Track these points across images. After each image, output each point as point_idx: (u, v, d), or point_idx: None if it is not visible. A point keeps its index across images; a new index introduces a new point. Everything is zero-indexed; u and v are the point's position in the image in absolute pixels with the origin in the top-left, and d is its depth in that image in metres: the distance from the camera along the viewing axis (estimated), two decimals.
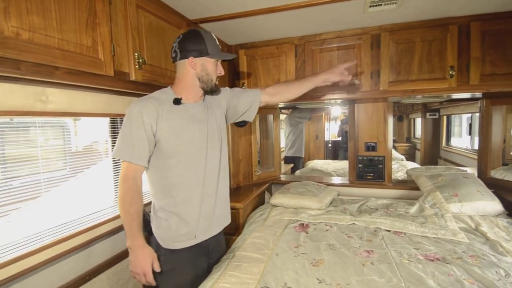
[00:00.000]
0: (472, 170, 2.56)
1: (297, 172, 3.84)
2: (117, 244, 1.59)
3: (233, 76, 2.40)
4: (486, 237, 1.62)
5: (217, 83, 1.30)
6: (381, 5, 1.67)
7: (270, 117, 2.89)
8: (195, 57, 1.21)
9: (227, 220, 1.43)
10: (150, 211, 1.30)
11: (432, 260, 1.39)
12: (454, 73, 1.90)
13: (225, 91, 1.45)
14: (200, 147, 1.25)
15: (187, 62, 1.21)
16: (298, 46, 2.25)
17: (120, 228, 1.59)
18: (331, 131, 7.03)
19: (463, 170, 2.48)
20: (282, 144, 4.63)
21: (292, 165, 4.26)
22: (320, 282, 1.22)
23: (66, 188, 1.42)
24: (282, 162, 4.42)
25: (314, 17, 1.88)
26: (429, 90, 1.98)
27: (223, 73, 1.31)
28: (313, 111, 4.47)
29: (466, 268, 1.31)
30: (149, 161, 1.19)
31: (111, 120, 1.65)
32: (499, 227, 1.74)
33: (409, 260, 1.38)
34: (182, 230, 1.23)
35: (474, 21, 1.87)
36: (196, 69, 1.22)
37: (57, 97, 1.22)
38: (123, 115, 1.54)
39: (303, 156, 4.47)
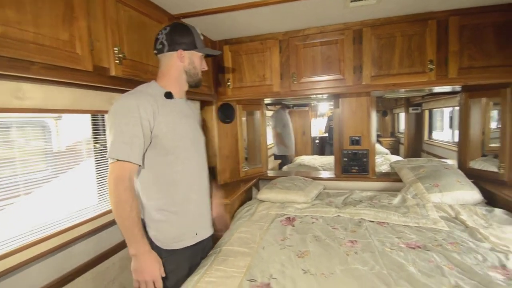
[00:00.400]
0: (452, 162, 2.65)
1: (285, 168, 3.88)
2: (100, 243, 1.57)
3: (218, 72, 2.39)
4: (465, 225, 1.69)
5: (201, 78, 1.30)
6: (361, 0, 1.70)
7: (257, 113, 2.90)
8: (184, 50, 1.19)
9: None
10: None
11: (414, 248, 1.44)
12: (433, 67, 1.96)
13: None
14: (192, 143, 1.25)
15: (176, 54, 1.19)
16: (282, 42, 2.26)
17: (103, 227, 1.57)
18: (318, 127, 7.12)
19: (444, 162, 2.56)
20: (270, 140, 4.66)
21: (279, 161, 4.29)
22: (305, 273, 1.24)
23: (48, 189, 1.39)
24: (272, 158, 4.45)
25: (297, 12, 1.89)
26: (410, 84, 2.03)
27: (206, 68, 1.31)
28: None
29: (445, 254, 1.36)
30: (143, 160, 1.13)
31: (92, 118, 1.62)
32: (477, 215, 1.80)
33: (391, 249, 1.43)
34: (183, 229, 1.21)
35: (452, 16, 1.92)
36: (184, 62, 1.21)
37: (34, 93, 1.19)
38: (104, 111, 1.52)
39: (293, 154, 4.50)
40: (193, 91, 2.01)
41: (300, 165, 3.84)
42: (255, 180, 2.68)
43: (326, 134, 5.91)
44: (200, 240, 1.27)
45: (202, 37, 1.27)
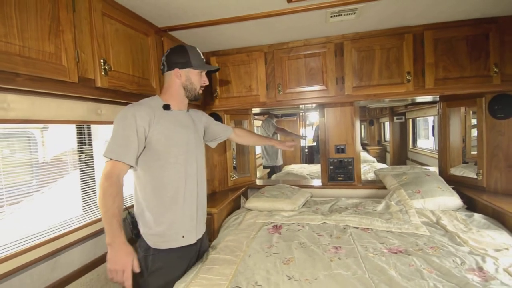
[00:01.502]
0: (435, 169, 2.73)
1: (273, 177, 3.91)
2: (88, 253, 1.55)
3: None
4: (446, 230, 1.74)
5: (200, 91, 1.45)
6: (341, 15, 1.79)
7: (245, 123, 2.94)
8: (180, 68, 1.36)
9: (205, 225, 1.53)
10: (134, 213, 1.34)
11: (395, 253, 1.48)
12: (410, 78, 2.05)
13: (205, 114, 1.68)
14: (185, 150, 1.36)
15: (173, 73, 1.36)
16: (267, 54, 2.33)
17: (92, 235, 1.56)
18: (307, 137, 7.20)
19: (426, 169, 2.64)
20: (258, 150, 4.70)
21: (268, 170, 4.32)
22: (289, 279, 1.26)
23: (34, 200, 1.38)
24: (261, 167, 4.48)
25: (281, 26, 1.96)
26: (389, 94, 2.12)
27: (207, 83, 1.47)
28: (278, 129, 4.48)
29: (426, 258, 1.40)
30: (137, 163, 1.25)
31: (77, 128, 1.62)
32: (458, 220, 1.87)
33: (374, 254, 1.46)
34: (169, 230, 1.30)
35: (427, 30, 2.03)
36: (181, 79, 1.37)
37: (19, 104, 1.19)
38: (90, 121, 1.53)
39: (281, 164, 4.54)
40: (196, 103, 2.06)
41: (288, 173, 3.88)
42: (243, 189, 2.70)
43: (315, 143, 5.99)
44: (188, 244, 1.36)
45: (202, 56, 1.43)
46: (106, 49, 1.38)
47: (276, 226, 1.93)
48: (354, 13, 1.77)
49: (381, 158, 5.80)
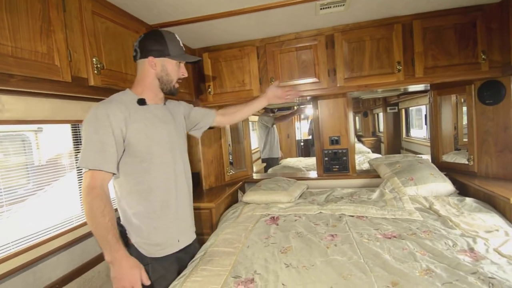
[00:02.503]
0: (427, 157, 2.79)
1: (270, 170, 3.94)
2: (84, 252, 1.58)
3: (199, 79, 2.44)
4: (438, 214, 1.79)
5: (177, 85, 1.31)
6: (330, 7, 1.81)
7: None
8: (155, 57, 1.21)
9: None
10: (120, 221, 1.23)
11: (389, 238, 1.52)
12: (401, 67, 2.08)
13: (183, 103, 1.52)
14: (170, 148, 1.26)
15: (147, 61, 1.21)
16: (259, 48, 2.34)
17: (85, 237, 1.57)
18: (303, 130, 7.25)
19: (419, 157, 2.69)
20: (256, 145, 4.73)
21: (265, 164, 4.35)
22: (287, 266, 1.30)
23: (31, 203, 1.39)
24: (259, 161, 4.52)
25: (272, 20, 1.98)
26: (380, 84, 2.15)
27: (186, 75, 1.32)
28: (277, 119, 4.60)
29: (419, 242, 1.45)
30: (118, 168, 1.13)
31: (72, 129, 1.63)
32: (450, 205, 1.92)
33: (368, 240, 1.50)
34: (165, 236, 1.22)
35: (416, 19, 2.06)
36: (156, 69, 1.22)
37: (13, 105, 1.21)
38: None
39: (279, 156, 4.58)
40: (174, 98, 2.07)
41: (284, 167, 3.92)
42: (240, 183, 2.73)
43: (310, 137, 6.04)
44: (184, 246, 1.31)
45: (181, 44, 1.29)
46: (97, 48, 1.39)
47: (274, 217, 1.96)
48: (343, 5, 1.79)
49: (376, 149, 5.88)
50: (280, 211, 2.05)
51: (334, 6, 1.80)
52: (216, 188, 2.55)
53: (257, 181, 2.69)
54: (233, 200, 2.53)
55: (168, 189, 1.23)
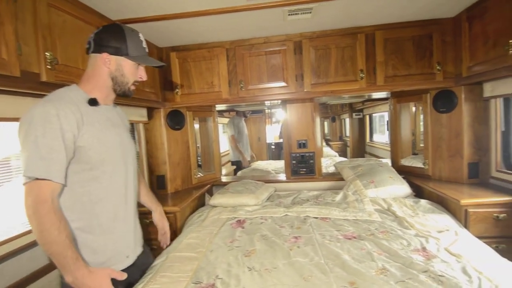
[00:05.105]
0: (388, 160, 2.94)
1: (239, 173, 3.93)
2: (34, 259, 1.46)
3: (166, 79, 2.38)
4: (396, 215, 1.89)
5: (132, 87, 1.18)
6: (298, 14, 1.85)
7: (210, 120, 2.93)
8: (110, 54, 1.08)
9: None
10: None
11: (350, 239, 1.57)
12: (363, 75, 2.18)
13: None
14: (122, 154, 1.15)
15: (100, 57, 1.08)
16: (229, 50, 2.33)
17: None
18: (274, 134, 7.34)
19: (379, 161, 2.83)
20: (226, 147, 4.69)
21: (235, 166, 4.34)
22: (250, 270, 1.29)
23: None
24: (229, 164, 4.49)
25: (241, 23, 1.98)
26: (345, 91, 2.24)
27: (144, 78, 1.21)
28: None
29: (376, 242, 1.51)
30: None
31: None
32: (406, 206, 2.03)
33: (330, 241, 1.55)
34: (111, 252, 1.10)
35: (378, 30, 2.17)
36: (110, 67, 1.10)
37: None
38: None
39: (249, 159, 4.58)
40: (139, 97, 2.00)
41: (254, 169, 3.93)
42: (208, 186, 2.69)
43: (281, 140, 6.13)
44: (132, 262, 1.19)
45: (144, 45, 1.18)
46: (52, 42, 1.30)
47: (240, 220, 1.95)
48: (310, 12, 1.84)
49: (343, 153, 6.10)
50: (247, 214, 2.05)
51: (301, 13, 1.84)
52: (182, 191, 2.49)
53: (225, 184, 2.66)
54: (200, 203, 2.49)
55: (118, 200, 1.13)
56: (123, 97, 1.19)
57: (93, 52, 1.10)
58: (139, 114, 2.30)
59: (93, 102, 1.08)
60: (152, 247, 1.97)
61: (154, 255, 1.54)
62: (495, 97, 2.01)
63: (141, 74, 1.19)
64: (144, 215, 1.93)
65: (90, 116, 1.04)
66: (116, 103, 1.27)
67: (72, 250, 0.93)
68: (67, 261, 0.91)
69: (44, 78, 1.24)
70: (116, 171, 1.12)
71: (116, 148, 1.13)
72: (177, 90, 2.37)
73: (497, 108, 2.05)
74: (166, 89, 2.39)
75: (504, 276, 1.13)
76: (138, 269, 1.27)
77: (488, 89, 2.04)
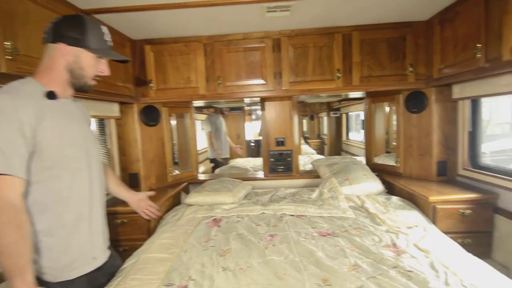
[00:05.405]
0: (362, 158, 3.02)
1: (217, 171, 3.89)
2: None
3: (140, 73, 2.29)
4: (368, 212, 1.94)
5: (92, 82, 1.11)
6: (276, 11, 1.83)
7: (186, 116, 2.86)
8: (68, 44, 1.01)
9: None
10: None
11: (324, 236, 1.60)
12: (340, 75, 2.22)
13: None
14: (85, 150, 1.09)
15: (57, 48, 1.01)
16: (207, 45, 2.28)
17: None
18: (254, 131, 7.33)
19: (354, 159, 2.90)
20: (204, 144, 4.63)
21: (213, 164, 4.29)
22: (224, 270, 1.27)
23: None
24: (207, 161, 4.43)
25: (220, 17, 1.94)
26: (322, 90, 2.26)
27: (106, 73, 1.13)
28: None
29: (349, 238, 1.55)
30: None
31: None
32: (379, 202, 2.09)
33: (305, 238, 1.56)
34: (77, 253, 1.05)
35: (355, 30, 2.20)
36: (68, 59, 1.03)
37: None
38: None
39: (228, 157, 4.55)
40: (111, 91, 1.90)
41: (232, 167, 3.90)
42: (184, 184, 2.63)
43: (261, 138, 6.14)
44: (100, 265, 1.14)
45: (107, 37, 1.11)
46: (12, 31, 1.20)
47: (216, 219, 1.92)
48: (289, 10, 1.83)
49: (320, 150, 6.21)
50: (224, 213, 2.02)
51: (280, 11, 1.83)
52: (157, 189, 2.40)
53: (202, 182, 2.62)
54: (176, 202, 2.43)
55: (83, 199, 1.07)
56: (81, 92, 1.12)
57: (50, 42, 1.02)
58: (111, 109, 2.20)
59: (51, 95, 1.00)
60: (124, 248, 1.91)
61: (125, 256, 1.49)
62: (463, 98, 2.11)
63: (103, 68, 1.12)
64: (114, 215, 1.87)
65: (49, 110, 0.98)
66: (85, 97, 1.19)
67: (29, 255, 0.87)
68: (20, 264, 0.84)
69: (3, 69, 1.15)
70: (80, 168, 1.06)
71: (79, 143, 1.07)
72: (151, 85, 2.28)
73: (464, 109, 2.15)
74: (140, 84, 2.30)
75: (469, 271, 1.19)
76: (104, 273, 1.20)
77: (457, 91, 2.13)
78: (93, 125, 2.16)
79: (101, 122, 2.26)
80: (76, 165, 1.05)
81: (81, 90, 1.11)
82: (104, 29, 1.10)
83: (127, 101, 2.21)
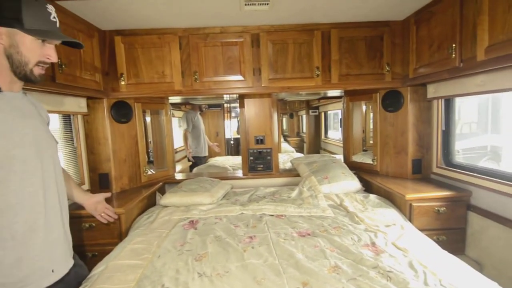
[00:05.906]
0: (340, 157, 3.04)
1: (195, 170, 3.78)
2: None
3: (109, 65, 2.14)
4: (347, 210, 1.94)
5: (37, 70, 0.96)
6: (254, 4, 1.77)
7: (162, 113, 2.73)
8: (1, 25, 0.86)
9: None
10: None
11: (304, 236, 1.56)
12: (319, 73, 2.19)
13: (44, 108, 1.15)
14: (36, 151, 0.96)
15: None
16: (182, 38, 2.17)
17: None
18: (233, 129, 7.25)
19: (333, 157, 2.91)
20: (181, 142, 4.49)
21: (190, 163, 4.16)
22: (200, 276, 1.20)
23: None
24: (185, 160, 4.29)
25: (195, 8, 1.84)
26: (301, 87, 2.23)
27: (53, 59, 0.98)
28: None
29: (329, 238, 1.52)
30: None
31: None
32: (357, 201, 2.09)
33: (285, 239, 1.52)
34: (30, 268, 0.93)
35: (334, 28, 2.19)
36: (3, 42, 0.88)
37: None
38: None
39: (206, 155, 4.44)
40: (76, 85, 1.75)
41: (210, 166, 3.80)
42: (159, 184, 2.51)
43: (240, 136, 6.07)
44: (61, 277, 1.03)
45: (53, 18, 0.96)
46: None
47: (193, 221, 1.84)
48: (267, 4, 1.78)
49: (300, 148, 6.26)
50: (201, 214, 1.94)
51: (258, 4, 1.77)
52: (130, 190, 2.29)
53: (179, 181, 2.51)
54: (150, 203, 2.31)
55: (35, 206, 0.94)
56: (28, 82, 0.98)
57: None
58: (77, 105, 2.04)
59: None
60: (93, 253, 1.78)
61: (94, 263, 1.38)
62: (437, 98, 2.16)
63: (49, 53, 0.97)
64: (79, 219, 1.73)
65: None
66: (46, 91, 1.05)
67: None
68: None
69: None
70: (29, 171, 0.93)
71: (28, 143, 0.94)
72: (122, 78, 2.14)
73: (439, 109, 2.21)
74: (110, 77, 2.15)
75: (446, 269, 1.20)
76: (68, 285, 1.08)
77: (431, 90, 2.18)
78: (56, 122, 1.99)
79: (66, 119, 2.09)
80: (26, 168, 0.92)
81: (27, 80, 0.97)
82: (50, 7, 0.96)
83: (95, 96, 2.05)
